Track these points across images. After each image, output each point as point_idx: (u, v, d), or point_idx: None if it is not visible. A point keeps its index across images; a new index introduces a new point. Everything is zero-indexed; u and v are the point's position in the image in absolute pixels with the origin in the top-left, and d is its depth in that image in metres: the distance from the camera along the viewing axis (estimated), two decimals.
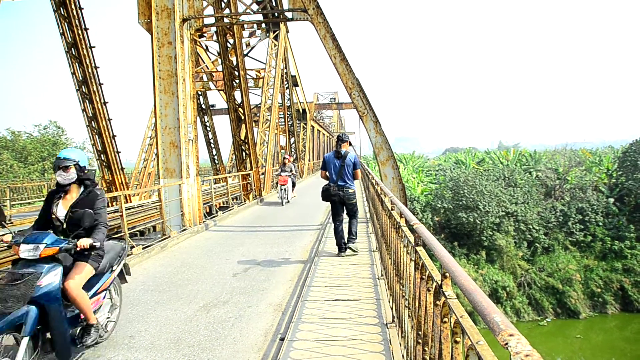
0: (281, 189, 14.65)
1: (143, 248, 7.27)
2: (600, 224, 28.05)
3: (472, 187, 28.10)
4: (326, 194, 6.43)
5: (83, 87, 14.20)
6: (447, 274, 1.79)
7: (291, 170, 15.11)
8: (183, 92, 9.38)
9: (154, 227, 11.34)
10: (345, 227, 6.61)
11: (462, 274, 1.63)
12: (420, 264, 2.34)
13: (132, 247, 7.07)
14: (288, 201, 14.84)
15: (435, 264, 2.24)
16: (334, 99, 41.03)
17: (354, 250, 6.46)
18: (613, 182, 31.34)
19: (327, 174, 6.49)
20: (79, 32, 13.58)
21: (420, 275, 2.35)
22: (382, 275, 5.18)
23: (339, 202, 6.40)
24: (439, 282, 1.88)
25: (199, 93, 23.06)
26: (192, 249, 7.86)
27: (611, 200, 29.17)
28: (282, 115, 27.52)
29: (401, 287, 3.27)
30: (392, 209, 4.13)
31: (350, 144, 6.82)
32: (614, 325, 23.28)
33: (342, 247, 6.45)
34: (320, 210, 12.75)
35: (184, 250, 7.82)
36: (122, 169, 15.63)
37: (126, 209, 11.36)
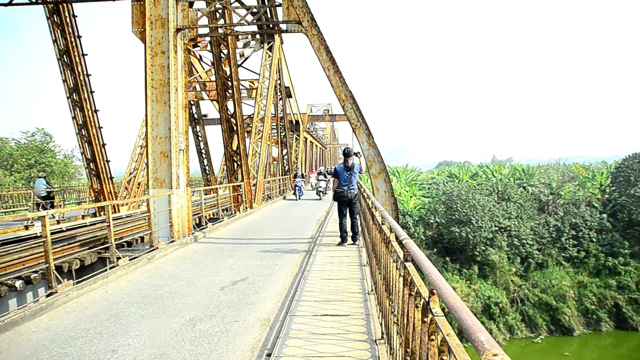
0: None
1: (130, 259, 7.19)
2: (594, 239, 28.24)
3: (465, 201, 28.26)
4: (338, 196, 8.46)
5: (74, 94, 14.16)
6: (434, 291, 1.80)
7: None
8: (175, 101, 9.39)
9: (142, 238, 11.24)
10: (347, 226, 8.60)
11: (449, 291, 1.63)
12: (409, 280, 2.35)
13: (119, 258, 7.00)
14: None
15: (425, 281, 2.25)
16: (328, 110, 41.19)
17: (356, 245, 8.38)
18: (606, 197, 31.67)
19: (338, 181, 8.43)
20: (72, 39, 13.59)
21: (409, 292, 2.35)
22: (372, 290, 5.17)
23: (346, 201, 8.43)
24: (427, 299, 1.88)
25: (192, 103, 23.06)
26: (180, 261, 7.79)
27: (604, 215, 29.43)
28: (275, 126, 27.56)
29: (390, 302, 3.26)
30: (382, 224, 4.13)
31: (356, 154, 8.75)
32: (608, 342, 23.30)
33: (344, 239, 8.47)
34: (311, 223, 12.73)
35: (171, 262, 7.75)
36: (112, 178, 15.52)
37: (114, 219, 11.30)
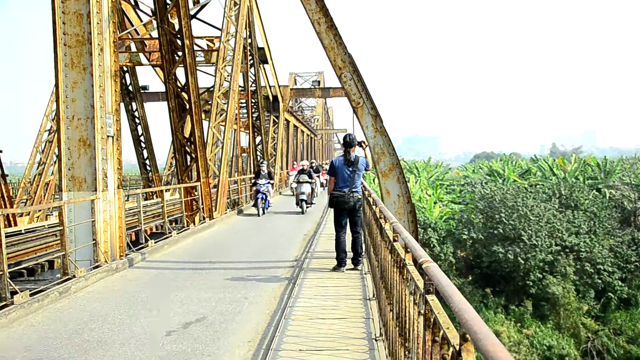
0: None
1: (31, 294, 7.09)
2: None
3: (513, 209, 28.46)
4: (337, 201, 8.48)
5: None
6: (467, 336, 1.78)
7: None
8: (100, 67, 9.29)
9: (51, 263, 11.14)
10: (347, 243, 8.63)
11: (488, 336, 1.61)
12: (432, 319, 2.33)
13: (14, 292, 6.89)
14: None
15: (455, 322, 2.23)
16: (318, 82, 41.30)
17: (358, 270, 8.50)
18: None
19: (336, 181, 8.50)
20: None
21: (431, 336, 2.34)
22: (380, 335, 5.17)
23: (347, 209, 8.50)
24: (457, 347, 1.86)
25: (125, 69, 22.95)
26: (108, 295, 7.74)
27: None
28: (245, 104, 27.52)
29: (407, 353, 3.25)
30: (394, 240, 4.13)
31: (361, 143, 8.97)
32: None
33: (342, 261, 8.47)
34: (296, 239, 12.77)
35: (95, 296, 7.68)
36: (4, 175, 15.36)
37: (7, 236, 11.14)
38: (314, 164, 26.87)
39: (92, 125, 9.23)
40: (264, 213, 18.63)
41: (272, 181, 19.37)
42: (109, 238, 9.52)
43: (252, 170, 27.20)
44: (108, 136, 9.54)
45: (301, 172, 20.25)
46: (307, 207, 19.29)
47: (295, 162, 36.93)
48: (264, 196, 18.54)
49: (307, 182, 19.51)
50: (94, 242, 9.15)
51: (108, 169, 9.51)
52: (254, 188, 18.99)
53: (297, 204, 19.30)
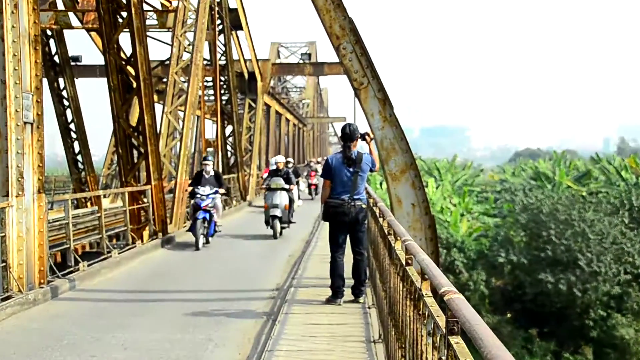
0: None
1: None
2: None
3: (566, 224, 28.49)
4: (334, 213, 8.46)
5: None
6: None
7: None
8: (14, 29, 9.24)
9: None
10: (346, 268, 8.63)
11: None
12: None
13: None
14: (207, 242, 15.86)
15: None
16: (309, 55, 41.24)
17: (360, 302, 8.55)
18: None
19: (332, 185, 8.50)
20: None
21: None
22: None
23: (347, 223, 8.45)
24: None
25: (49, 33, 22.86)
26: (23, 337, 7.66)
27: None
28: (211, 84, 27.48)
29: None
30: (407, 264, 4.12)
31: (364, 136, 9.02)
32: None
33: (339, 291, 8.45)
34: (278, 262, 12.91)
35: (3, 338, 7.60)
36: None
37: None
38: (291, 164, 25.62)
39: (2, 107, 9.15)
40: (206, 242, 15.74)
41: (221, 190, 16.34)
42: (25, 259, 9.43)
43: (226, 171, 26.99)
44: (25, 123, 9.49)
45: (274, 173, 18.48)
46: (282, 229, 17.61)
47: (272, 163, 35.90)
48: (207, 215, 15.36)
49: (283, 188, 17.66)
50: (4, 265, 9.06)
51: (25, 167, 9.45)
52: (192, 201, 15.90)
53: (267, 222, 17.43)
